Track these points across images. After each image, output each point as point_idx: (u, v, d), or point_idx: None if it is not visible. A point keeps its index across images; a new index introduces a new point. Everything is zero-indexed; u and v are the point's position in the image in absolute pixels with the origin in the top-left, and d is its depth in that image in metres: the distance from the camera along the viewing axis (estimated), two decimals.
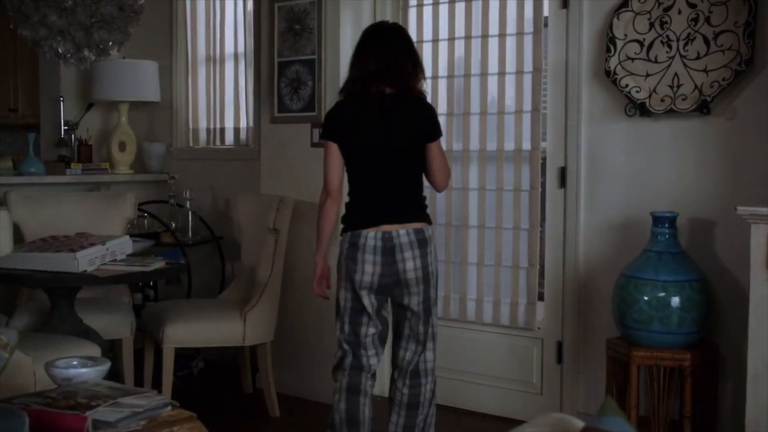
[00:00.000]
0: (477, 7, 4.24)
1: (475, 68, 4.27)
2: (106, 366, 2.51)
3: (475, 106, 4.27)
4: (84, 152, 5.32)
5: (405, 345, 3.33)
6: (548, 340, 4.13)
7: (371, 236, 3.18)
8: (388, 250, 3.17)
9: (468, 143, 4.29)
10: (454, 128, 4.34)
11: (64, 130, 5.37)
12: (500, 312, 4.25)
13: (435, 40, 4.38)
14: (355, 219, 3.24)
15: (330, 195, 3.29)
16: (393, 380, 3.40)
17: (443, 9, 4.36)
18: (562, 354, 4.08)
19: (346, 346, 3.30)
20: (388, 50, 3.23)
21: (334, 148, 3.25)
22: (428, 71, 4.40)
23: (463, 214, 4.30)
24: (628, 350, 3.53)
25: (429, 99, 3.87)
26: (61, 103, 5.38)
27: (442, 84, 4.38)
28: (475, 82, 4.27)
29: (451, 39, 4.33)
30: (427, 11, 4.41)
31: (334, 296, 3.38)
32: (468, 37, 4.27)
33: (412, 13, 4.48)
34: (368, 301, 3.23)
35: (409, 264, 3.19)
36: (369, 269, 3.19)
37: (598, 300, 3.92)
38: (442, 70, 4.38)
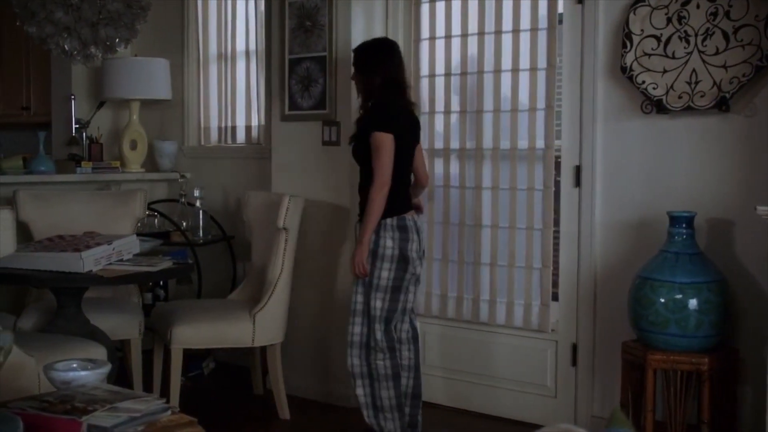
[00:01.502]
0: (490, 3, 4.17)
1: (488, 65, 4.19)
2: (106, 369, 2.46)
3: (488, 104, 4.19)
4: (95, 151, 5.29)
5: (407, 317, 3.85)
6: (563, 342, 4.04)
7: (410, 218, 3.70)
8: (419, 229, 3.76)
9: (481, 141, 4.22)
10: (467, 126, 4.27)
11: (75, 128, 5.35)
12: (514, 313, 4.17)
13: (447, 37, 4.30)
14: (398, 205, 3.66)
15: (388, 184, 3.61)
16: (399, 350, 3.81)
17: (456, 5, 4.28)
18: (576, 356, 3.99)
19: (398, 316, 3.72)
20: (402, 63, 3.84)
21: (393, 142, 3.62)
22: (440, 68, 4.37)
23: (476, 213, 4.23)
24: (644, 353, 3.45)
25: (442, 97, 4.36)
26: (72, 102, 5.35)
27: (455, 81, 4.30)
28: (488, 79, 4.19)
29: (464, 35, 4.25)
30: (440, 7, 4.34)
31: (373, 276, 3.65)
32: (481, 34, 4.19)
33: (425, 9, 4.41)
34: (418, 270, 3.76)
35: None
36: (415, 246, 3.69)
37: (614, 301, 3.84)
38: (455, 68, 4.31)
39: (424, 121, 4.26)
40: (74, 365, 2.44)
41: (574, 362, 4.00)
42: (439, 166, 4.38)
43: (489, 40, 4.19)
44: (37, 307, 4.14)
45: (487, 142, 4.21)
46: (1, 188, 4.55)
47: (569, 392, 4.02)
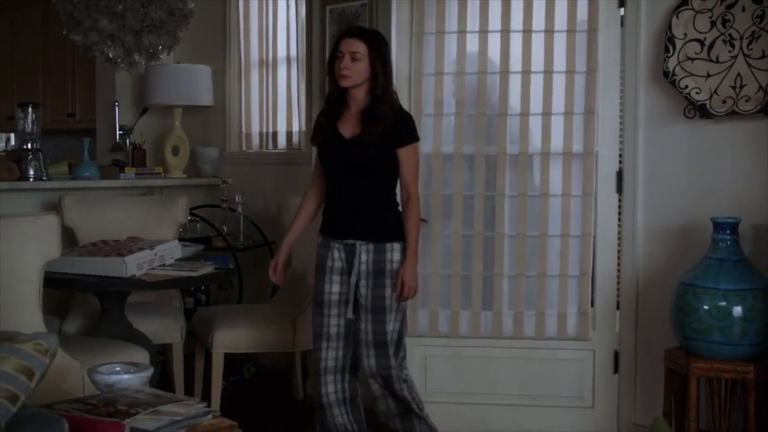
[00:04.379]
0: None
1: (515, 65, 3.97)
2: (148, 372, 2.49)
3: (514, 107, 3.98)
4: (138, 156, 5.36)
5: None
6: (600, 351, 3.96)
7: None
8: None
9: (504, 146, 3.98)
10: (486, 129, 4.01)
11: (119, 134, 5.42)
12: (545, 324, 3.98)
13: (483, 31, 4.01)
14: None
15: None
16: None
17: (494, 5, 4.00)
18: (618, 364, 3.95)
19: None
20: None
21: None
22: (469, 67, 4.04)
23: (499, 220, 3.99)
24: (687, 361, 3.41)
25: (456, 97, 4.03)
26: (116, 108, 5.42)
27: (492, 80, 4.02)
28: (514, 80, 3.96)
29: (505, 31, 3.97)
30: (473, 6, 4.05)
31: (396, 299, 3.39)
32: (508, 31, 3.97)
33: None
34: None
35: None
36: None
37: (656, 308, 3.79)
38: (472, 65, 4.03)
39: (429, 123, 4.02)
40: (117, 368, 2.48)
41: (616, 369, 3.95)
42: (450, 171, 4.04)
43: (516, 39, 3.97)
44: (81, 311, 4.21)
45: (513, 146, 3.98)
46: (47, 193, 4.63)
47: (608, 401, 3.95)
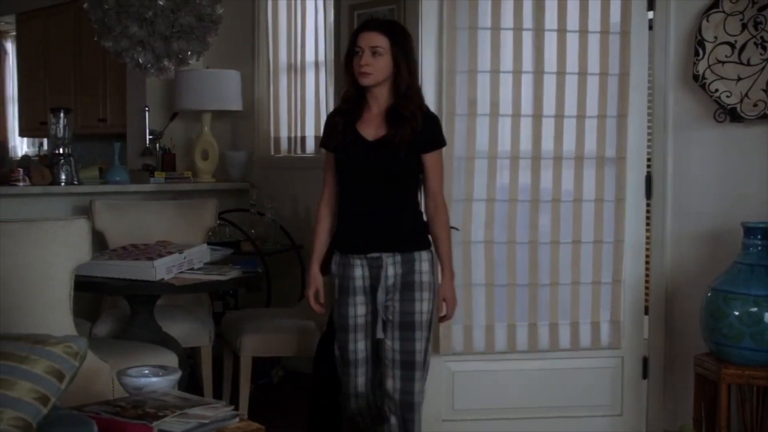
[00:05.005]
0: (552, 3, 3.86)
1: (550, 66, 3.84)
2: (176, 375, 2.51)
3: (548, 108, 3.83)
4: (168, 161, 5.40)
5: None
6: (629, 357, 3.92)
7: None
8: None
9: (539, 149, 3.83)
10: (521, 131, 3.83)
11: (149, 139, 5.47)
12: (579, 333, 3.89)
13: (517, 29, 3.82)
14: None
15: None
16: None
17: (527, 5, 3.85)
18: (647, 370, 3.91)
19: None
20: None
21: None
22: (508, 65, 3.84)
23: (533, 225, 3.84)
24: (717, 367, 3.37)
25: (488, 97, 3.77)
26: (147, 113, 5.48)
27: (527, 80, 3.85)
28: (549, 81, 3.83)
29: (539, 29, 3.82)
30: (507, 6, 3.90)
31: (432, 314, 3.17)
32: (542, 30, 3.82)
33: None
34: None
35: None
36: None
37: (686, 314, 3.76)
38: (506, 65, 3.85)
39: (462, 123, 3.76)
40: (146, 371, 2.50)
41: (645, 375, 3.92)
42: (482, 175, 3.80)
43: (550, 38, 3.84)
44: (112, 314, 4.25)
45: (547, 150, 3.84)
46: (79, 197, 4.68)
47: (638, 408, 3.92)
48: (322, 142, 3.20)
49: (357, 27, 3.13)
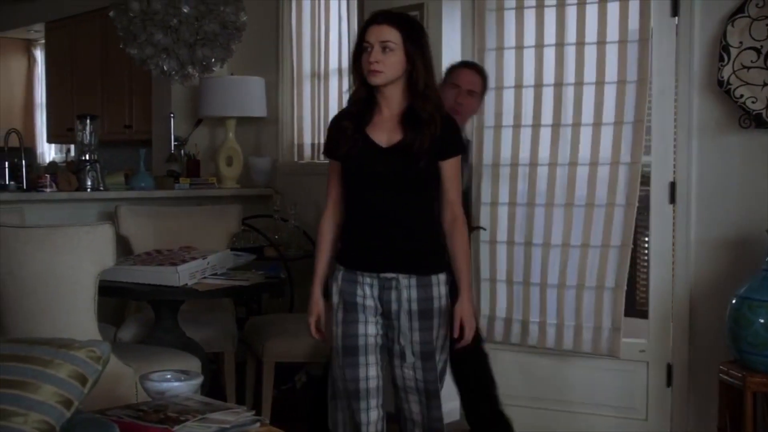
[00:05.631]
0: (572, 14, 4.01)
1: (569, 77, 4.02)
2: (198, 380, 2.52)
3: (566, 117, 4.01)
4: (192, 167, 5.44)
5: None
6: (655, 363, 3.93)
7: None
8: None
9: (556, 156, 4.03)
10: (541, 139, 4.08)
11: (174, 145, 5.51)
12: (582, 337, 3.99)
13: (539, 46, 4.09)
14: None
15: None
16: None
17: (549, 13, 4.07)
18: (671, 377, 3.89)
19: None
20: None
21: None
22: (529, 79, 4.12)
23: (547, 230, 4.05)
24: (742, 375, 3.34)
25: (512, 109, 4.13)
26: (172, 120, 5.52)
27: (548, 93, 4.09)
28: (568, 92, 4.02)
29: (559, 44, 4.05)
30: (529, 16, 4.15)
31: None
32: (563, 44, 4.03)
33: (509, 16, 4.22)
34: None
35: None
36: None
37: (711, 321, 3.72)
38: (528, 79, 4.13)
39: (489, 135, 4.16)
40: (168, 376, 2.51)
41: (669, 383, 3.90)
42: (505, 181, 4.15)
43: (570, 51, 4.01)
44: (136, 319, 4.28)
45: (563, 156, 4.01)
46: (104, 203, 4.73)
47: (662, 414, 3.91)
48: (327, 149, 2.88)
49: (365, 20, 2.77)
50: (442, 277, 2.80)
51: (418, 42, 2.70)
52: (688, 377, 3.85)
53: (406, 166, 2.70)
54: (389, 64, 2.66)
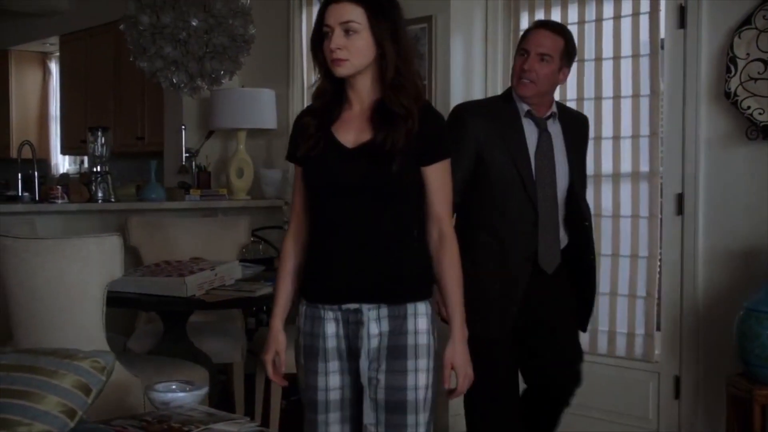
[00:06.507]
0: (590, 30, 4.13)
1: (588, 92, 4.15)
2: (203, 391, 2.54)
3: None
4: (203, 179, 5.47)
5: None
6: (665, 374, 3.93)
7: None
8: None
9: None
10: None
11: (185, 157, 5.55)
12: (616, 343, 4.09)
13: None
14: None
15: None
16: None
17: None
18: (679, 389, 3.88)
19: None
20: None
21: None
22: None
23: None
24: (750, 388, 3.32)
25: None
26: (183, 132, 5.56)
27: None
28: (588, 106, 4.13)
29: (580, 60, 4.12)
30: None
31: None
32: (580, 61, 4.12)
33: None
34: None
35: None
36: None
37: (718, 333, 3.71)
38: (571, 94, 4.22)
39: None
40: (173, 387, 2.53)
41: (677, 395, 3.89)
42: None
43: (589, 67, 4.14)
44: (146, 330, 4.30)
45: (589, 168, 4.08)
46: (115, 214, 4.77)
47: (672, 425, 3.90)
48: (288, 152, 2.36)
49: None
50: (423, 307, 2.24)
51: (388, 19, 2.18)
52: (696, 389, 3.84)
53: (374, 171, 2.19)
54: (354, 49, 2.16)
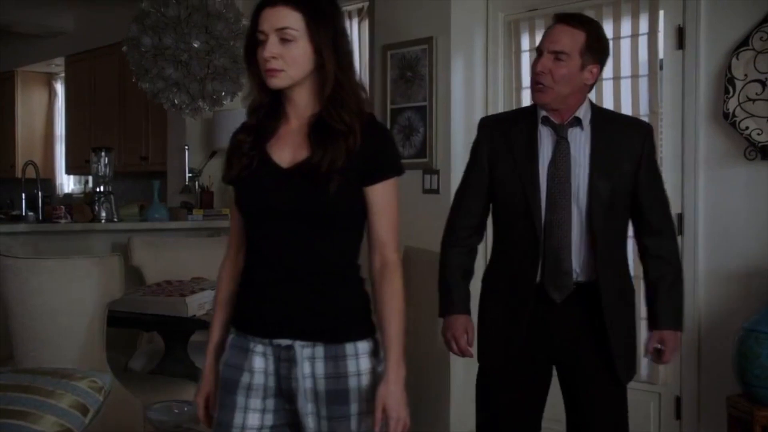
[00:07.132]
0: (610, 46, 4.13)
1: None
2: None
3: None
4: (206, 199, 5.50)
5: None
6: (666, 394, 3.93)
7: None
8: None
9: None
10: None
11: (189, 177, 5.58)
12: (640, 365, 4.03)
13: None
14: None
15: None
16: None
17: None
18: (680, 409, 3.87)
19: None
20: None
21: None
22: None
23: None
24: (750, 409, 3.31)
25: None
26: (186, 152, 5.59)
27: None
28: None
29: None
30: None
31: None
32: None
33: (525, 58, 4.42)
34: None
35: None
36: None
37: (719, 353, 3.71)
38: None
39: None
40: (172, 407, 2.55)
41: (678, 416, 3.88)
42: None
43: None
44: (147, 349, 4.31)
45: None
46: (118, 234, 4.79)
47: None
48: (223, 173, 2.14)
49: (259, 1, 2.02)
50: (364, 346, 2.02)
51: (327, 26, 1.97)
52: (697, 410, 3.83)
53: (309, 194, 1.97)
54: (291, 59, 1.95)
